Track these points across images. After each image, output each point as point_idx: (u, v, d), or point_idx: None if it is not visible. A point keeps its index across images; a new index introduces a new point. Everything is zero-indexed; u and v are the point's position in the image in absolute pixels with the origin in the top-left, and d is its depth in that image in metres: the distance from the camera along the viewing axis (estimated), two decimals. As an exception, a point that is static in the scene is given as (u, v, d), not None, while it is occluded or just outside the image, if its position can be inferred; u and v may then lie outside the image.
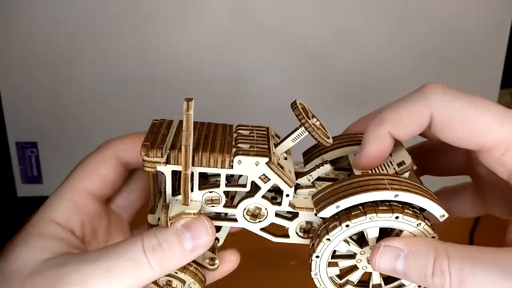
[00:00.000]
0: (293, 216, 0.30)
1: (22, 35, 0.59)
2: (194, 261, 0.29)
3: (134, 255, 0.26)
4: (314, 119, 0.28)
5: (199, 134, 0.29)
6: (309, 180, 0.30)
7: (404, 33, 0.62)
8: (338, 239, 0.28)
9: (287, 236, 0.30)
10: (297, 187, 0.29)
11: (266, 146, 0.28)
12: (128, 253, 0.26)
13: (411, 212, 0.27)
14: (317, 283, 0.29)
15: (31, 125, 0.62)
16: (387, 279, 0.30)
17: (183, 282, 0.30)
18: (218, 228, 0.31)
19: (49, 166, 0.64)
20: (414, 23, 0.61)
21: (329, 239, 0.28)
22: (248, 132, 0.30)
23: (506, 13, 0.62)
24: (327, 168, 0.30)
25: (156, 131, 0.29)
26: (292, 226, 0.30)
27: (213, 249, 0.32)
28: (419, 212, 0.28)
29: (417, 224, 0.27)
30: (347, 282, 0.30)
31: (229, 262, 0.33)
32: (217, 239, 0.31)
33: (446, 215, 0.28)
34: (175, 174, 0.28)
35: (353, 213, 0.27)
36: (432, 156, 0.35)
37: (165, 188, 0.28)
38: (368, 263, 0.29)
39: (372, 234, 0.28)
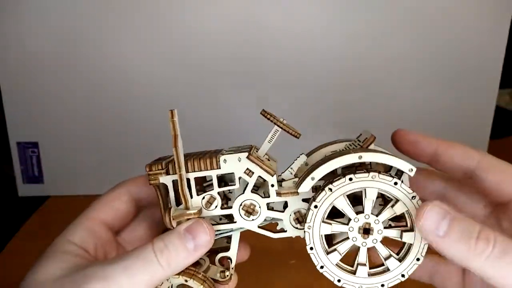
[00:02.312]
0: (283, 208, 0.32)
1: (23, 35, 0.59)
2: (203, 272, 0.33)
3: (147, 255, 0.30)
4: (282, 119, 0.32)
5: (191, 154, 0.33)
6: (291, 173, 0.33)
7: (403, 33, 0.62)
8: (328, 200, 0.30)
9: (285, 230, 0.33)
10: (282, 181, 0.32)
11: (248, 149, 0.33)
12: (141, 254, 0.30)
13: (386, 173, 0.29)
14: (307, 239, 0.30)
15: (32, 125, 0.62)
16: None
17: None
18: (227, 248, 0.34)
19: (50, 166, 0.64)
20: (413, 23, 0.62)
21: (316, 206, 0.30)
22: (234, 148, 0.35)
23: (505, 13, 0.62)
24: (303, 158, 0.33)
25: (158, 158, 0.34)
26: (286, 218, 0.32)
27: (228, 266, 0.34)
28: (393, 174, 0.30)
29: (394, 183, 0.29)
30: (335, 250, 0.31)
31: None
32: (229, 259, 0.34)
33: (414, 169, 0.29)
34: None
35: (335, 179, 0.30)
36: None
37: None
38: (359, 233, 0.30)
39: (370, 194, 0.29)
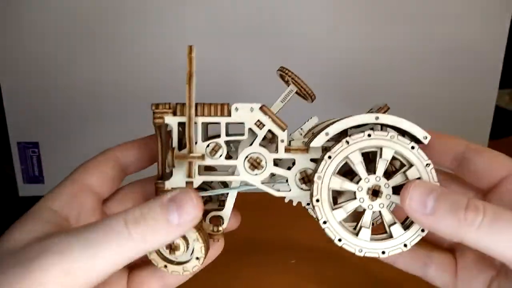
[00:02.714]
0: (291, 167, 0.31)
1: (24, 35, 0.59)
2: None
3: (115, 228, 0.25)
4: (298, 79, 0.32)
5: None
6: (301, 134, 0.32)
7: (402, 33, 0.62)
8: (343, 153, 0.29)
9: (288, 190, 0.32)
10: (291, 141, 0.32)
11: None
12: (109, 226, 0.25)
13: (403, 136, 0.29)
14: (315, 190, 0.29)
15: (32, 125, 0.62)
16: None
17: (186, 240, 0.30)
18: (222, 205, 0.32)
19: (50, 166, 0.64)
20: (412, 24, 0.62)
21: (330, 157, 0.29)
22: None
23: (505, 13, 0.62)
24: (315, 120, 0.32)
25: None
26: (291, 176, 0.31)
27: (217, 229, 0.32)
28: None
29: (412, 147, 0.29)
30: (340, 207, 0.30)
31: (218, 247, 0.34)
32: (221, 218, 0.32)
33: (429, 137, 0.29)
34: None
35: (351, 133, 0.29)
36: None
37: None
38: (367, 194, 0.29)
39: (386, 154, 0.29)
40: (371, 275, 0.41)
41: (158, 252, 0.31)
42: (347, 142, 0.29)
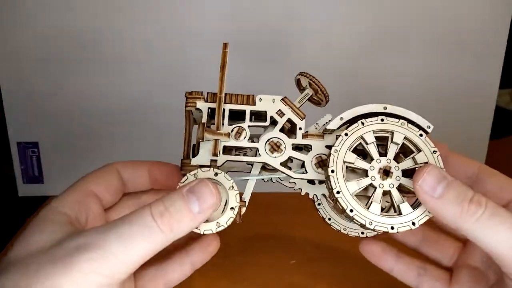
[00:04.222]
0: (308, 150, 0.34)
1: (24, 35, 0.59)
2: None
3: (144, 220, 0.27)
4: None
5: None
6: (316, 128, 0.35)
7: (401, 33, 0.62)
8: (358, 132, 0.32)
9: (305, 172, 0.34)
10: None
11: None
12: (138, 219, 0.28)
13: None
14: (331, 162, 0.32)
15: (32, 125, 0.62)
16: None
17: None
18: (241, 193, 0.34)
19: (50, 166, 0.64)
20: (412, 24, 0.62)
21: (346, 134, 0.32)
22: None
23: (505, 13, 0.62)
24: (328, 117, 0.35)
25: None
26: (308, 160, 0.34)
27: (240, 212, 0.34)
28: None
29: (420, 134, 0.32)
30: (353, 181, 0.32)
31: (210, 245, 0.36)
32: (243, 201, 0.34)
33: (432, 127, 0.32)
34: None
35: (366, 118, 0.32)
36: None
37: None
38: (378, 173, 0.32)
39: (397, 138, 0.32)
40: (372, 275, 0.41)
41: None
42: (362, 123, 0.32)
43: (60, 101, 0.62)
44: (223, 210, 0.32)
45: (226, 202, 0.32)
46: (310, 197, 0.37)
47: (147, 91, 0.62)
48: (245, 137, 0.34)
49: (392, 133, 0.32)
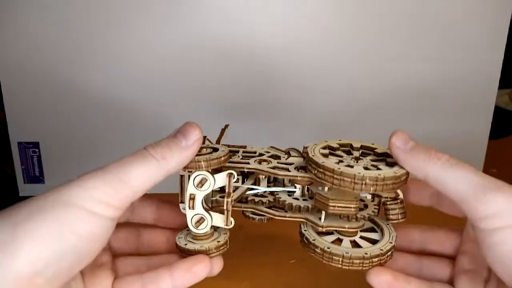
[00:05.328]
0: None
1: (24, 35, 0.59)
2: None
3: (140, 152, 0.33)
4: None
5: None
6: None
7: (401, 33, 0.62)
8: None
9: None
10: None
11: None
12: (136, 153, 0.33)
13: None
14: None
15: (33, 125, 0.62)
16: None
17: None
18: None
19: (51, 166, 0.64)
20: (412, 24, 0.62)
21: None
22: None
23: (504, 13, 0.62)
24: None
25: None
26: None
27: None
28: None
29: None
30: None
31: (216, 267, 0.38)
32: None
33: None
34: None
35: None
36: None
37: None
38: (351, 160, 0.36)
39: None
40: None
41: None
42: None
43: (61, 101, 0.62)
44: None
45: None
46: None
47: (149, 92, 0.62)
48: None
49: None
